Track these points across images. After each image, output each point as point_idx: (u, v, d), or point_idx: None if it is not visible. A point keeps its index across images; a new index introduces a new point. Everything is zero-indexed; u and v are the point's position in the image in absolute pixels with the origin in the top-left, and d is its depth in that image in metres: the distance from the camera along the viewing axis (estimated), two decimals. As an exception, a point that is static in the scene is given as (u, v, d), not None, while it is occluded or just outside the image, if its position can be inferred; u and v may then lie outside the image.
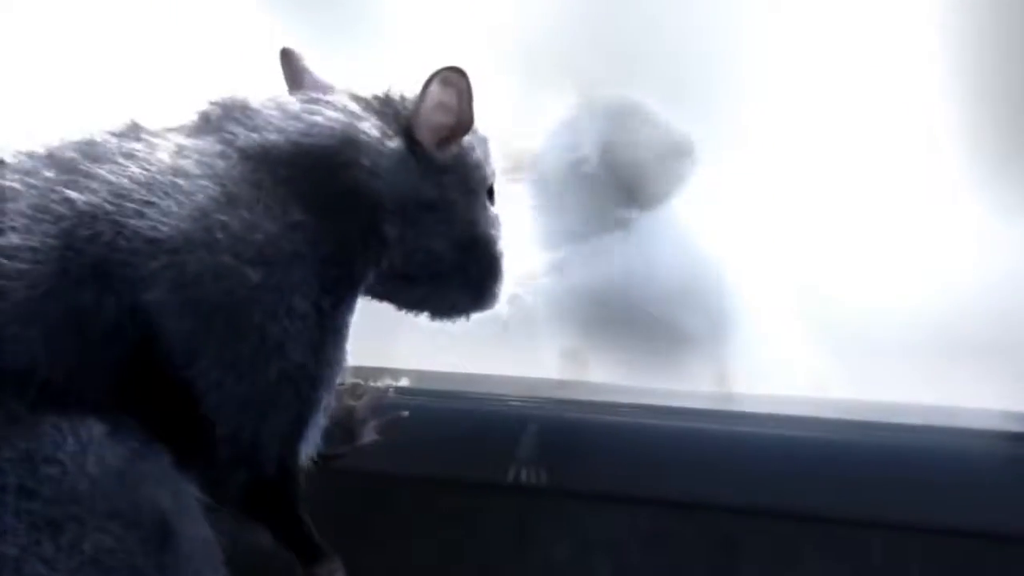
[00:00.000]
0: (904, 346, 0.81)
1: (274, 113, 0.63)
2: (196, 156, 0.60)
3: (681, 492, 0.76)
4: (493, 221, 0.68)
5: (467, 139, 0.67)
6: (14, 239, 0.55)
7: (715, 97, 0.86)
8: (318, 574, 0.64)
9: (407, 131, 0.65)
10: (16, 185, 0.57)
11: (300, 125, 0.62)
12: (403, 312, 0.70)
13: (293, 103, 0.64)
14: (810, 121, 0.85)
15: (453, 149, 0.66)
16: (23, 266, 0.55)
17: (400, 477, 0.80)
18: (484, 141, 0.69)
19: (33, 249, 0.55)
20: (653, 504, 0.77)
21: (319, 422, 0.63)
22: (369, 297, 0.68)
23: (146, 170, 0.58)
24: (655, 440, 0.78)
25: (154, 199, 0.57)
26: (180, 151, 0.60)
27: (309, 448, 0.64)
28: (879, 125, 0.83)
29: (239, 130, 0.61)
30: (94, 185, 0.57)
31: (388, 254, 0.65)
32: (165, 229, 0.57)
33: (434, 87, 0.64)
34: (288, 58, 0.68)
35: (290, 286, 0.59)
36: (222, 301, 0.58)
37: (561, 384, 0.88)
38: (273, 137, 0.62)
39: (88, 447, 0.54)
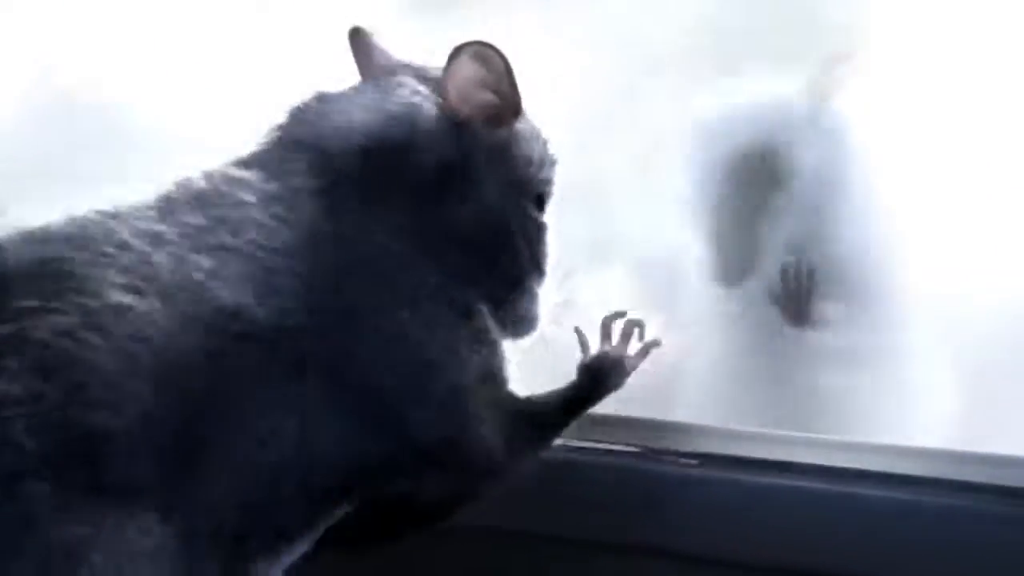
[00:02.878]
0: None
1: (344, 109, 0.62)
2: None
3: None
4: (527, 221, 0.64)
5: (524, 128, 0.63)
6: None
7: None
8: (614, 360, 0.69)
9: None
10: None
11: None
12: None
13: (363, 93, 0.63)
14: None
15: (503, 133, 0.63)
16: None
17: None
18: (548, 154, 0.65)
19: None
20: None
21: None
22: None
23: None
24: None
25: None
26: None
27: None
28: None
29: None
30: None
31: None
32: None
33: (464, 60, 0.60)
34: (358, 38, 0.67)
35: None
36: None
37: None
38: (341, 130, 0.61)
39: None
